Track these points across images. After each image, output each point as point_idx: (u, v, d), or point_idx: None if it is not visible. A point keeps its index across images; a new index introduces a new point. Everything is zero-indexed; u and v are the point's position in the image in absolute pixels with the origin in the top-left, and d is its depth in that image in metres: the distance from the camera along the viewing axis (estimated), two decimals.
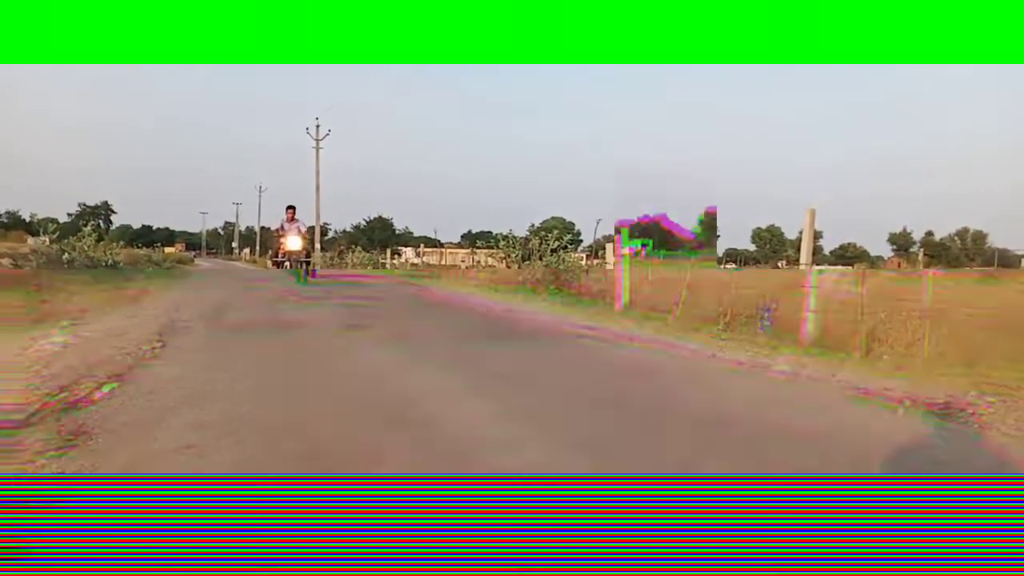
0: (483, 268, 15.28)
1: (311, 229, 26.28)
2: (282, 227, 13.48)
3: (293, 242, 13.13)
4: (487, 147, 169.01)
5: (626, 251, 9.38)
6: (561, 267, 12.11)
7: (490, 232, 18.45)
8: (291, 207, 13.40)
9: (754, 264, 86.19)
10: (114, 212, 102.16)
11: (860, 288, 5.40)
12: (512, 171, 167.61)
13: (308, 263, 14.65)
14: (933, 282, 5.36)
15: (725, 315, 6.43)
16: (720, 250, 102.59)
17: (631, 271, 8.91)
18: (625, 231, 9.80)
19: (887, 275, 6.52)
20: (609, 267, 9.69)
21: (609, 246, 10.10)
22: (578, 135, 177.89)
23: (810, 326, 5.59)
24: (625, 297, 8.55)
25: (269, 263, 24.64)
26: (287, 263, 13.48)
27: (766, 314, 6.36)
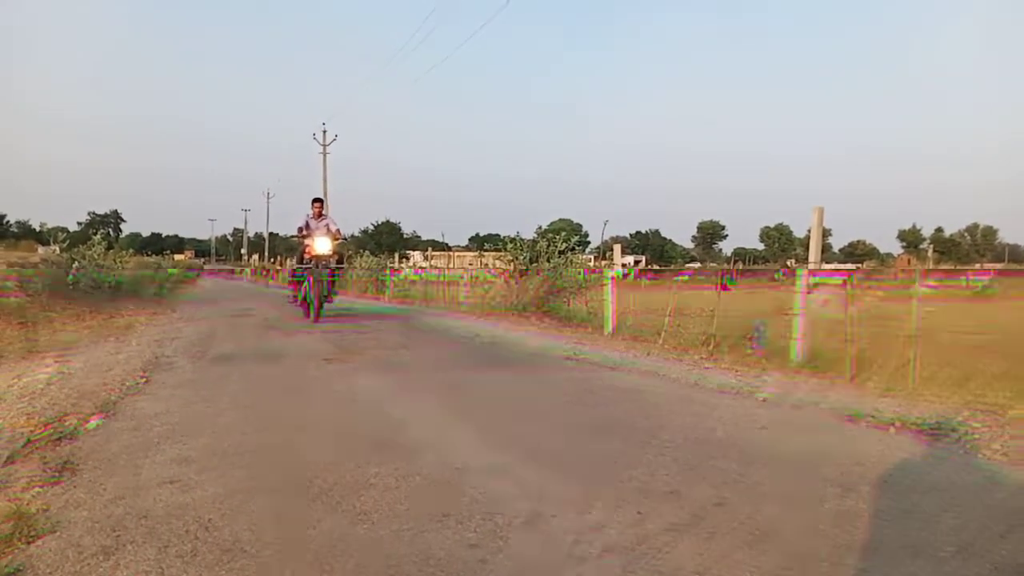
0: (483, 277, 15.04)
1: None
2: (307, 225, 10.55)
3: (321, 244, 10.26)
4: (494, 148, 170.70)
5: (617, 270, 9.21)
6: (567, 270, 11.71)
7: (498, 235, 18.35)
8: (318, 200, 11.00)
9: (763, 263, 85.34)
10: (123, 220, 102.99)
11: (847, 311, 5.44)
12: (520, 172, 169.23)
13: (340, 271, 11.40)
14: (924, 300, 5.40)
15: (708, 343, 6.45)
16: (728, 250, 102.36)
17: (621, 291, 8.87)
18: (618, 247, 9.77)
19: (877, 294, 6.57)
20: (616, 268, 9.43)
21: (617, 247, 10.05)
22: (578, 132, 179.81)
23: (794, 353, 5.64)
24: (607, 326, 8.48)
25: (290, 264, 16.97)
26: (314, 265, 10.17)
27: (755, 333, 6.37)
